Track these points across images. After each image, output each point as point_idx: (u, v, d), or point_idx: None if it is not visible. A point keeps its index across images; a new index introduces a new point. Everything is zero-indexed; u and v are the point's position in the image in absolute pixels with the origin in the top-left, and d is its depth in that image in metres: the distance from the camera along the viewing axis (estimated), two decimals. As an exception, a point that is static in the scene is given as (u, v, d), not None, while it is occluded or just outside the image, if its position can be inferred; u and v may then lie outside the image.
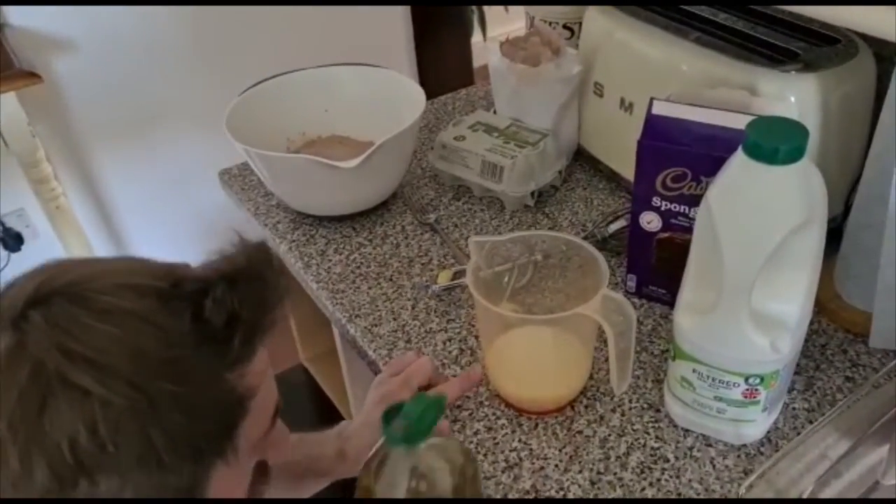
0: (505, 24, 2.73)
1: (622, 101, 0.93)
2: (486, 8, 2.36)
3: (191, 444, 0.45)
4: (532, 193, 0.96)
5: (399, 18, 2.08)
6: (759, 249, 0.57)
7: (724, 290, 0.59)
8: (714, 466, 0.65)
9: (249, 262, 0.49)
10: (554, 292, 0.77)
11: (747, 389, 0.62)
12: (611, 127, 0.96)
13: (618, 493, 0.64)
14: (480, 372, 0.72)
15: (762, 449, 0.66)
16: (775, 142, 0.55)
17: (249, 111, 0.99)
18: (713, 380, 0.63)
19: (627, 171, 0.96)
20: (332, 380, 1.30)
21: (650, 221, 0.77)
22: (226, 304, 0.47)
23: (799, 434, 0.67)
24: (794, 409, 0.69)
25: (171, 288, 0.47)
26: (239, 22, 1.79)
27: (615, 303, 0.63)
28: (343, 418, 1.28)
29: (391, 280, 0.88)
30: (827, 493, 0.62)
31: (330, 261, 0.91)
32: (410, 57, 2.17)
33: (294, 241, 0.95)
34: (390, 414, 0.52)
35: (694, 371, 0.64)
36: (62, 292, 0.44)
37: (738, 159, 0.57)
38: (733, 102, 0.74)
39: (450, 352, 0.78)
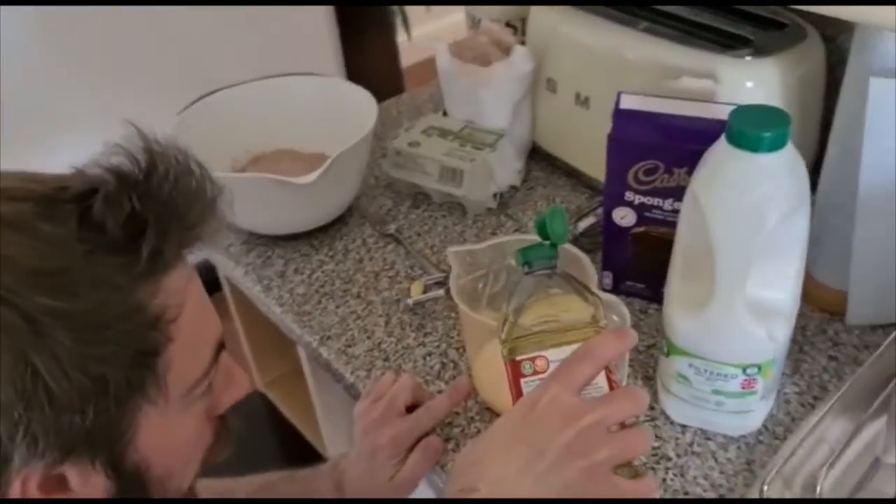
0: (426, 23, 2.72)
1: (577, 95, 0.92)
2: (407, 7, 2.34)
3: (89, 372, 0.39)
4: (494, 196, 0.93)
5: (323, 21, 2.03)
6: (751, 239, 0.56)
7: (719, 283, 0.58)
8: (717, 460, 0.65)
9: (155, 155, 0.43)
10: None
11: (745, 380, 0.62)
12: (567, 123, 0.95)
13: (624, 498, 0.62)
14: (468, 382, 0.69)
15: (761, 438, 0.66)
16: (760, 129, 0.54)
17: (190, 130, 0.93)
18: (711, 373, 0.62)
19: (587, 166, 0.96)
20: (296, 405, 1.25)
21: (624, 217, 0.76)
22: (120, 204, 0.40)
23: (793, 420, 0.67)
24: (785, 393, 0.69)
25: (54, 191, 0.40)
26: (146, 28, 1.69)
27: (609, 303, 0.62)
28: (311, 446, 1.24)
29: (359, 297, 0.84)
30: (831, 478, 0.61)
31: (291, 282, 0.87)
32: (338, 60, 2.13)
33: (250, 263, 0.91)
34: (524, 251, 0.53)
35: (690, 366, 0.63)
36: None
37: (722, 149, 0.57)
38: (698, 91, 0.73)
39: (431, 367, 0.75)
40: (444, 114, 1.04)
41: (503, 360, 0.54)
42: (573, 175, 0.98)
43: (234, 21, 1.82)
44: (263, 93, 1.01)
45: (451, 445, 0.68)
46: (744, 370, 0.61)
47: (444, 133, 0.97)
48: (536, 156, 1.02)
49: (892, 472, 0.60)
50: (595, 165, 0.94)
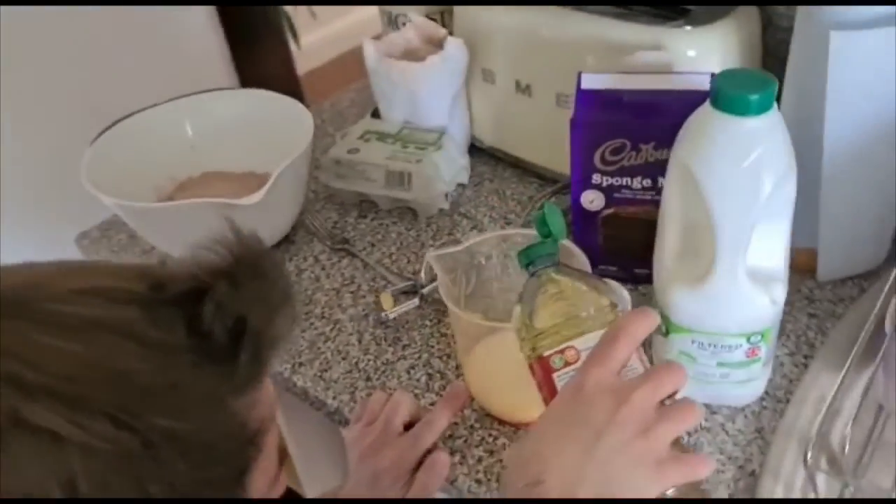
0: (313, 30, 2.65)
1: (518, 84, 0.89)
2: (293, 15, 2.27)
3: (196, 500, 0.35)
4: (445, 196, 0.90)
5: (210, 30, 1.93)
6: (750, 206, 0.55)
7: (720, 254, 0.57)
8: (727, 433, 0.64)
9: (249, 252, 0.39)
10: (503, 292, 0.72)
11: (750, 348, 0.61)
12: (509, 113, 0.93)
13: (646, 486, 0.61)
14: (464, 388, 0.66)
15: (764, 404, 0.66)
16: (747, 92, 0.53)
17: (105, 162, 0.86)
18: (715, 346, 0.61)
19: (533, 155, 0.94)
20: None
21: (592, 200, 0.75)
22: (230, 310, 0.37)
23: (791, 381, 0.67)
24: (777, 356, 0.69)
25: (152, 291, 0.36)
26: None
27: (609, 288, 0.60)
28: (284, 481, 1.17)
29: (324, 317, 0.79)
30: (835, 434, 0.62)
31: (247, 311, 0.81)
32: (229, 71, 2.04)
33: (197, 297, 0.84)
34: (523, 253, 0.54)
35: (693, 342, 0.62)
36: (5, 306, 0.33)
37: (709, 116, 0.56)
38: (655, 65, 0.73)
39: (418, 379, 0.72)
40: (376, 116, 1.00)
41: (528, 360, 0.51)
42: (518, 166, 0.97)
43: (118, 38, 1.70)
44: (178, 113, 0.94)
45: (456, 458, 0.64)
46: (748, 339, 0.61)
47: (382, 136, 0.94)
48: (477, 151, 0.99)
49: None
50: (542, 154, 0.93)
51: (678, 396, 0.47)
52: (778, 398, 0.66)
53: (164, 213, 0.79)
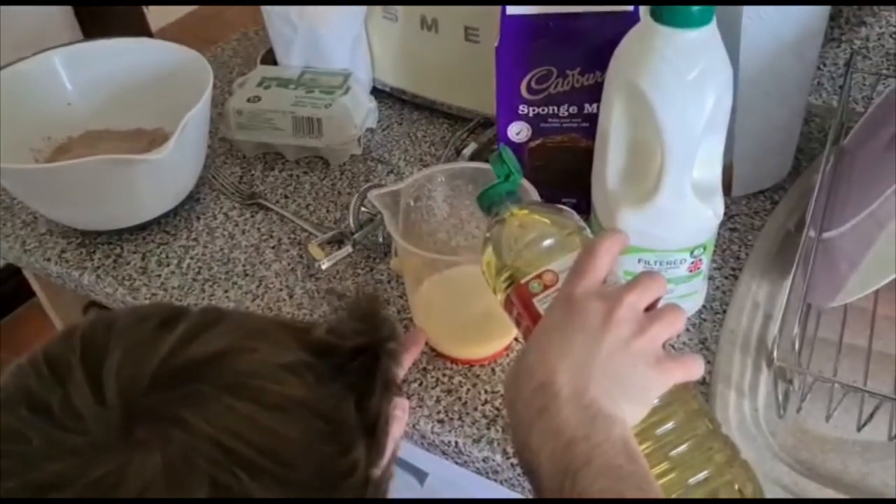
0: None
1: (423, 20, 0.87)
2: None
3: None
4: (358, 141, 0.87)
5: (65, 30, 1.77)
6: (696, 120, 0.56)
7: (668, 170, 0.57)
8: (674, 347, 0.66)
9: (382, 318, 0.43)
10: (432, 233, 0.70)
11: (692, 262, 0.63)
12: (415, 51, 0.90)
13: (607, 406, 0.62)
14: (421, 333, 0.64)
15: (703, 316, 0.68)
16: (689, 3, 0.53)
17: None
18: (661, 263, 0.62)
19: (442, 94, 0.92)
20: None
21: (519, 132, 0.74)
22: (393, 387, 0.41)
23: (724, 293, 0.70)
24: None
25: (322, 361, 0.39)
26: None
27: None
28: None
29: (247, 275, 0.75)
30: (773, 337, 0.65)
31: (160, 276, 0.75)
32: (74, 34, 1.87)
33: (99, 266, 0.77)
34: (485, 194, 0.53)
35: (640, 261, 0.63)
36: (212, 377, 0.33)
37: (650, 30, 0.55)
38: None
39: (360, 329, 0.69)
40: (267, 62, 0.95)
41: (504, 296, 0.50)
42: (424, 107, 0.94)
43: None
44: (50, 66, 0.84)
45: (414, 402, 0.63)
46: (691, 252, 0.62)
47: (283, 83, 0.88)
48: (380, 94, 0.96)
49: (830, 316, 0.65)
50: (451, 93, 0.91)
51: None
52: (715, 309, 0.68)
53: (58, 174, 0.71)
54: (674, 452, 0.45)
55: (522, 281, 0.49)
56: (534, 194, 0.61)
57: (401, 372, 0.62)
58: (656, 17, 0.55)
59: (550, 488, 0.42)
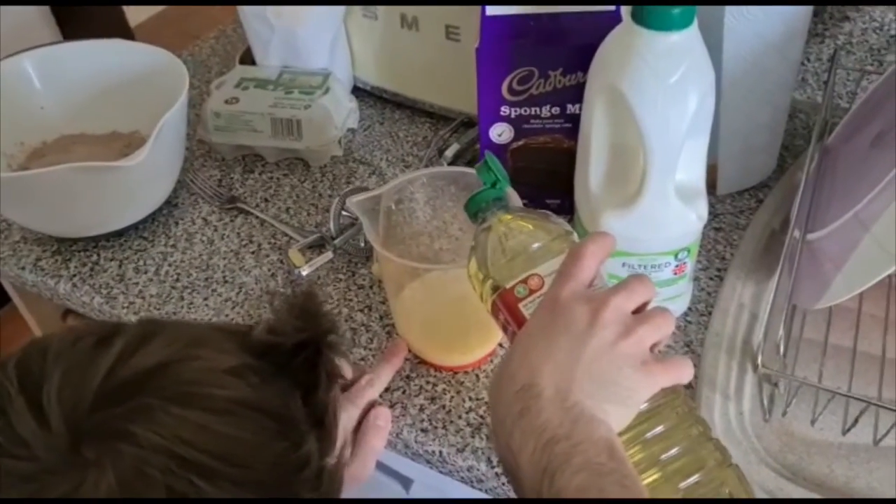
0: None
1: (403, 18, 0.85)
2: None
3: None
4: (339, 142, 0.85)
5: (43, 30, 1.74)
6: (679, 121, 0.55)
7: (651, 173, 0.57)
8: (659, 350, 0.65)
9: (322, 312, 0.43)
10: (414, 236, 0.69)
11: (677, 265, 0.62)
12: (395, 50, 0.88)
13: (591, 412, 0.61)
14: (403, 343, 0.64)
15: (688, 318, 0.67)
16: (669, 6, 0.53)
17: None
18: (645, 267, 0.62)
19: (423, 93, 0.91)
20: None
21: (501, 133, 0.73)
22: (334, 376, 0.42)
23: (709, 294, 0.69)
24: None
25: (264, 361, 0.38)
26: None
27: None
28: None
29: (227, 282, 0.73)
30: (770, 338, 0.64)
31: (136, 284, 0.74)
32: (54, 33, 1.84)
33: (75, 275, 0.75)
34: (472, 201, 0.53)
35: (624, 265, 0.62)
36: (156, 389, 0.34)
37: (630, 33, 0.54)
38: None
39: (342, 336, 0.68)
40: (246, 63, 0.93)
41: (490, 302, 0.49)
42: (406, 106, 0.93)
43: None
44: (21, 69, 0.82)
45: (398, 411, 0.62)
46: (675, 255, 0.61)
47: (261, 83, 0.87)
48: (361, 93, 0.95)
49: (815, 316, 0.64)
50: (433, 92, 0.90)
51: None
52: (700, 311, 0.68)
53: (32, 181, 0.69)
54: (664, 456, 0.45)
55: (508, 286, 0.49)
56: (517, 201, 0.60)
57: (380, 386, 0.61)
58: (637, 19, 0.54)
59: (531, 488, 0.41)
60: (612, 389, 0.43)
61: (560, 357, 0.43)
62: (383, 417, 0.60)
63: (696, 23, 0.54)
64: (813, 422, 0.57)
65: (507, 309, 0.49)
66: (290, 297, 0.44)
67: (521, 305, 0.48)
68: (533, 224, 0.51)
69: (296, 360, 0.41)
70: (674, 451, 0.44)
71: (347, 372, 0.60)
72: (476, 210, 0.52)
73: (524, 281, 0.48)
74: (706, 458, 0.44)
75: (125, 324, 0.40)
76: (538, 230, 0.50)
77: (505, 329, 0.50)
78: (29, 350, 0.37)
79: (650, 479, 0.43)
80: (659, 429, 0.44)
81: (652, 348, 0.45)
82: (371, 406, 0.60)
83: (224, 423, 0.35)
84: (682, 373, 0.45)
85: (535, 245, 0.49)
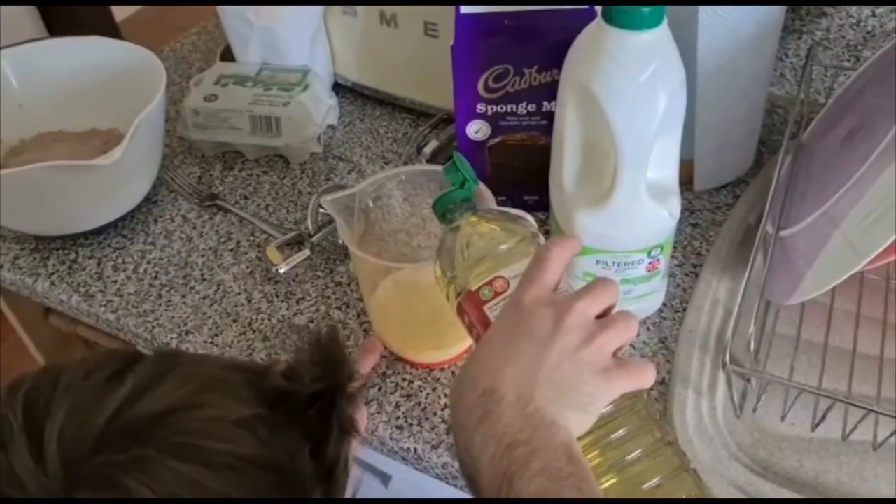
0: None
1: (382, 15, 0.85)
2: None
3: None
4: (318, 138, 0.85)
5: (31, 29, 1.73)
6: (649, 122, 0.55)
7: (622, 171, 0.57)
8: (633, 346, 0.65)
9: (340, 357, 0.43)
10: (393, 233, 0.69)
11: (650, 262, 0.62)
12: (374, 46, 0.88)
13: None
14: (376, 340, 0.64)
15: (663, 315, 0.68)
16: (639, 6, 0.53)
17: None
18: (619, 264, 0.62)
19: (403, 89, 0.91)
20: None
21: (478, 130, 0.73)
22: (349, 432, 0.41)
23: (685, 290, 0.69)
24: (669, 269, 0.71)
25: (274, 411, 0.38)
26: None
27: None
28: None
29: (205, 280, 0.74)
30: (739, 334, 0.65)
31: (115, 282, 0.74)
32: (37, 27, 1.83)
33: (53, 273, 0.75)
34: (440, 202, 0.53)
35: (598, 262, 0.62)
36: (158, 438, 0.33)
37: (602, 34, 0.55)
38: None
39: (319, 333, 0.68)
40: (227, 59, 0.93)
41: (456, 303, 0.50)
42: (387, 103, 0.93)
43: None
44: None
45: (373, 408, 0.62)
46: (648, 253, 0.62)
47: (241, 80, 0.87)
48: (341, 90, 0.95)
49: (788, 311, 0.65)
50: (412, 88, 0.90)
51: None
52: (675, 307, 0.68)
53: (7, 181, 0.69)
54: (623, 460, 0.45)
55: (473, 288, 0.49)
56: (491, 200, 0.60)
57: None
58: (607, 18, 0.54)
59: (489, 492, 0.41)
60: (573, 395, 0.43)
61: (522, 362, 0.43)
62: (359, 415, 0.60)
63: (665, 22, 0.55)
64: (783, 417, 0.58)
65: (472, 311, 0.49)
66: (313, 336, 0.43)
67: (486, 308, 0.48)
68: (500, 226, 0.51)
69: (310, 411, 0.40)
70: (633, 455, 0.44)
71: (362, 424, 0.59)
72: (444, 211, 0.52)
73: (489, 283, 0.48)
74: (664, 463, 0.45)
75: (142, 355, 0.39)
76: (504, 232, 0.51)
77: (470, 331, 0.50)
78: (41, 379, 0.37)
79: (608, 484, 0.44)
80: (619, 433, 0.45)
81: (615, 353, 0.45)
82: None
83: (221, 479, 0.35)
84: (644, 378, 0.45)
85: (501, 247, 0.49)
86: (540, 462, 0.40)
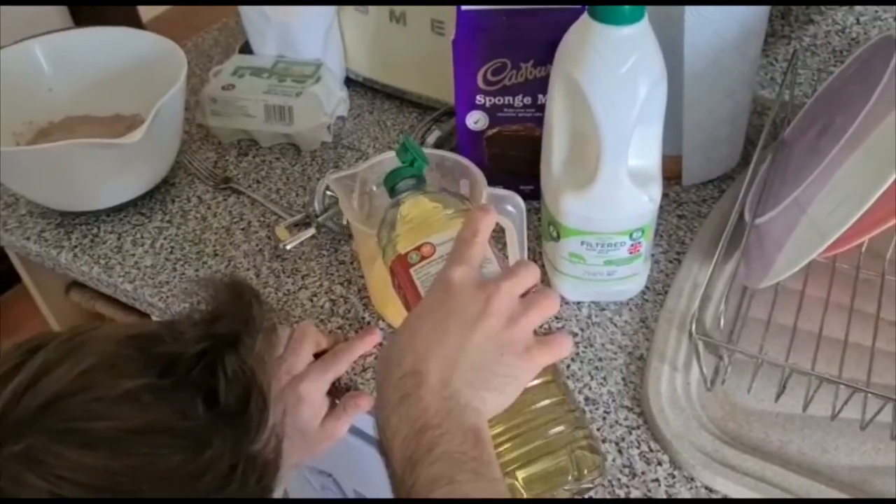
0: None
1: (391, 13, 0.90)
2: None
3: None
4: (328, 128, 0.90)
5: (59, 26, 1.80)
6: (629, 111, 0.59)
7: (604, 158, 0.61)
8: (616, 325, 0.69)
9: (239, 306, 0.42)
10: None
11: (632, 245, 0.66)
12: (384, 43, 0.93)
13: (548, 379, 0.65)
14: (376, 328, 0.68)
15: (646, 297, 0.72)
16: (620, 3, 0.57)
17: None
18: (602, 245, 0.66)
19: (410, 84, 0.96)
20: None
21: (477, 121, 0.77)
22: (241, 379, 0.40)
23: (667, 276, 0.73)
24: (653, 255, 0.75)
25: (165, 377, 0.39)
26: None
27: (503, 198, 0.63)
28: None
29: (217, 255, 0.78)
30: (709, 315, 0.69)
31: (133, 255, 0.79)
32: (66, 23, 1.90)
33: (76, 245, 0.80)
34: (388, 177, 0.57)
35: (582, 243, 0.66)
36: (44, 427, 0.35)
37: (587, 29, 0.59)
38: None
39: (322, 306, 0.73)
40: (245, 52, 0.98)
41: (389, 266, 0.55)
42: (395, 97, 0.98)
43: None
44: (32, 54, 0.88)
45: (372, 386, 0.66)
46: (630, 235, 0.66)
47: (257, 71, 0.92)
48: (353, 84, 1.00)
49: (762, 294, 0.68)
50: (419, 83, 0.95)
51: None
52: (657, 291, 0.72)
53: (37, 156, 0.74)
54: (527, 433, 0.48)
55: (403, 252, 0.53)
56: (476, 173, 0.65)
57: (349, 358, 0.65)
58: (592, 14, 0.58)
59: (397, 473, 0.43)
60: (491, 378, 0.45)
61: (448, 345, 0.45)
62: (355, 403, 0.64)
63: (646, 18, 0.59)
64: (749, 390, 0.62)
65: (400, 274, 0.53)
66: (210, 288, 0.44)
67: (412, 271, 0.52)
68: (439, 201, 0.56)
69: (194, 369, 0.41)
70: (539, 429, 0.48)
71: (282, 344, 0.63)
72: (392, 185, 0.57)
73: (417, 248, 0.53)
74: (562, 421, 0.48)
75: (46, 343, 0.40)
76: (440, 204, 0.56)
77: (399, 294, 0.54)
78: None
79: (512, 456, 0.47)
80: (532, 407, 0.48)
81: (536, 331, 0.48)
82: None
83: (102, 456, 0.36)
84: (562, 348, 0.48)
85: (434, 217, 0.54)
86: (445, 447, 0.41)
